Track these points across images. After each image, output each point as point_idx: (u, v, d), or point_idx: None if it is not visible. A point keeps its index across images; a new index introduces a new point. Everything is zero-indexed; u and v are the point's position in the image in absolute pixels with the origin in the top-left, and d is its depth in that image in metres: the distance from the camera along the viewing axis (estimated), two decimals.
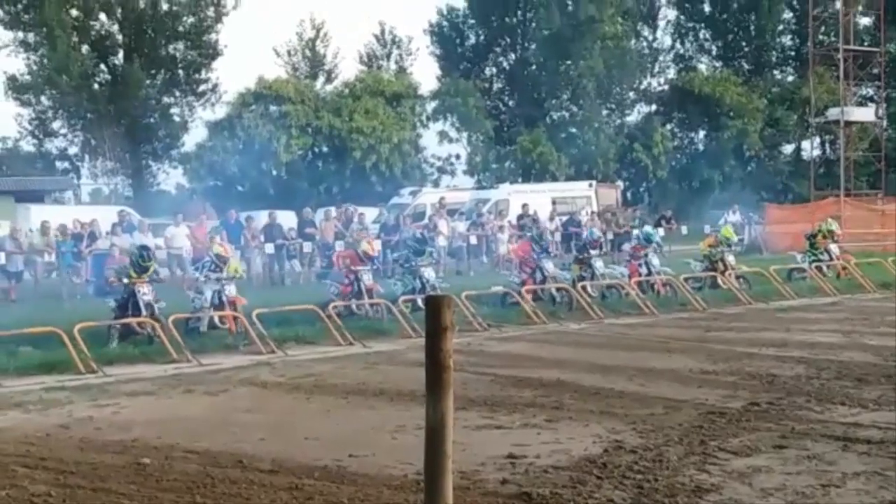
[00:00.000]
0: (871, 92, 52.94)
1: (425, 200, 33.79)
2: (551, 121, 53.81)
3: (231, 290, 16.59)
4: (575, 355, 13.71)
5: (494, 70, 57.62)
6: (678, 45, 61.67)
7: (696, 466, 7.56)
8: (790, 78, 59.22)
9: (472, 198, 35.11)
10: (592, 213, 34.04)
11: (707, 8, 60.82)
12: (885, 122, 50.54)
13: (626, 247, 22.36)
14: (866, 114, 47.14)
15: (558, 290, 19.53)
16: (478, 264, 28.11)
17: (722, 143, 52.85)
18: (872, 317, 17.17)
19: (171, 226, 25.93)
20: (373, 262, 19.14)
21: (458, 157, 51.87)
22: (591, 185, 38.33)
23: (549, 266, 20.04)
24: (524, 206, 31.46)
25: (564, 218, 32.10)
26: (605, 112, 55.76)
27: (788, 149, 58.28)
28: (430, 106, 51.13)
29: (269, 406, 10.69)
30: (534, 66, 54.93)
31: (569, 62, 52.50)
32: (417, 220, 29.84)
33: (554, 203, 34.08)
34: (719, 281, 21.22)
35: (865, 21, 54.28)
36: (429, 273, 18.85)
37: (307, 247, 26.17)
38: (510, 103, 56.77)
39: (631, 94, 58.37)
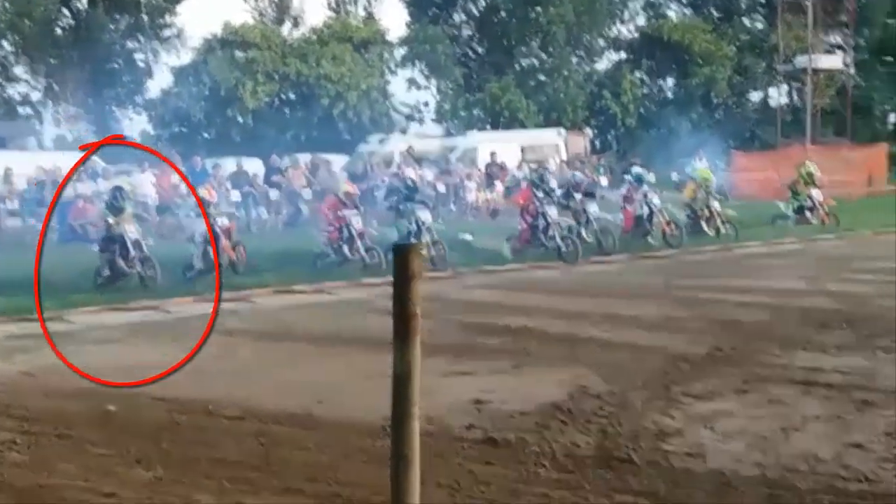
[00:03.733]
0: (839, 39, 53.03)
1: (393, 148, 33.64)
2: (520, 68, 53.52)
3: (223, 220, 16.76)
4: (541, 301, 13.78)
5: (464, 16, 57.11)
6: None
7: (659, 411, 7.65)
8: (759, 25, 59.13)
9: (440, 145, 34.99)
10: (562, 161, 34.03)
11: None
12: (852, 70, 50.74)
13: (622, 191, 21.59)
14: (834, 61, 47.31)
15: (563, 238, 18.74)
16: (446, 212, 28.08)
17: (690, 90, 52.84)
18: (836, 262, 17.35)
19: (137, 173, 25.68)
20: (358, 206, 18.59)
21: (426, 104, 51.60)
22: (560, 133, 38.27)
23: (552, 212, 19.02)
24: (492, 154, 31.40)
25: (533, 166, 32.09)
26: (574, 60, 55.48)
27: (756, 96, 58.35)
28: (399, 52, 50.71)
29: (237, 353, 10.69)
30: (503, 13, 54.50)
31: (538, 9, 52.08)
32: (385, 168, 29.72)
33: (523, 151, 34.04)
34: (704, 226, 21.12)
35: None
36: (425, 215, 18.27)
37: (274, 194, 26.04)
38: (479, 50, 56.35)
39: (600, 41, 58.09)
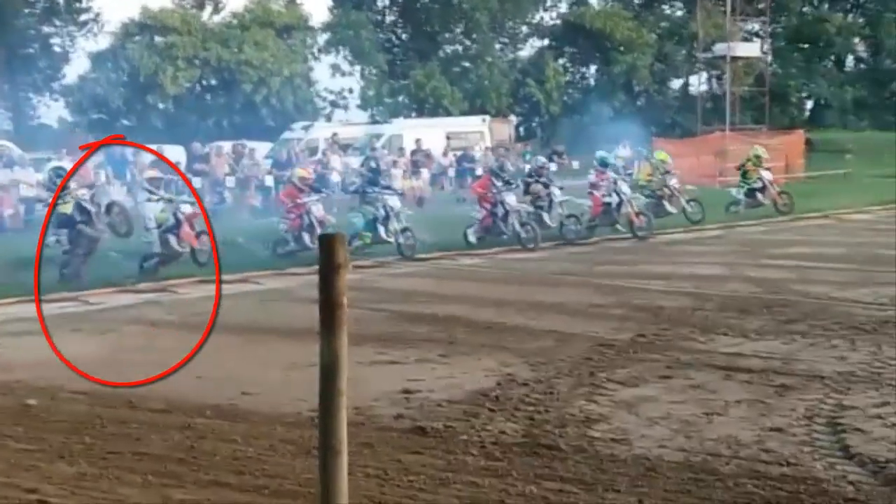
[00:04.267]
0: (757, 27, 53.99)
1: (318, 135, 33.37)
2: (445, 55, 53.53)
3: (186, 207, 15.78)
4: (468, 290, 13.83)
5: (387, 2, 56.89)
6: None
7: (585, 397, 7.73)
8: (679, 13, 59.94)
9: (365, 133, 34.82)
10: (487, 148, 34.11)
11: None
12: (770, 58, 51.71)
13: (589, 177, 20.74)
14: (752, 49, 48.15)
15: (523, 225, 18.44)
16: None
17: (612, 77, 53.36)
18: (755, 248, 17.68)
19: (55, 160, 25.09)
20: (319, 190, 18.00)
21: (350, 91, 51.31)
22: (484, 121, 38.35)
23: (511, 200, 18.71)
24: (418, 141, 31.35)
25: (458, 153, 32.13)
26: (498, 46, 55.67)
27: (677, 84, 59.17)
28: (322, 38, 50.31)
29: (159, 345, 10.52)
30: None
31: None
32: (310, 156, 29.48)
33: (448, 138, 34.05)
34: (668, 207, 20.89)
35: None
36: (394, 201, 17.65)
37: (196, 182, 25.65)
38: (403, 36, 56.21)
39: (524, 28, 58.35)
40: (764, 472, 5.89)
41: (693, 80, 57.70)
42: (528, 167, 21.64)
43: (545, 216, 19.14)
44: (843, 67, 58.86)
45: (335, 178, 26.57)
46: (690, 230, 20.85)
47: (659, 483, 5.78)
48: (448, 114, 45.89)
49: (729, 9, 44.69)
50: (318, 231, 16.37)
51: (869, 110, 55.96)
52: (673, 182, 21.31)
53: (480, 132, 36.56)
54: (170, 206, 15.78)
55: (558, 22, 58.78)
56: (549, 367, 8.77)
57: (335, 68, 50.24)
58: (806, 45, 55.66)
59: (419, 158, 30.04)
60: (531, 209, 19.11)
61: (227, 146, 28.48)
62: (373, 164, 19.58)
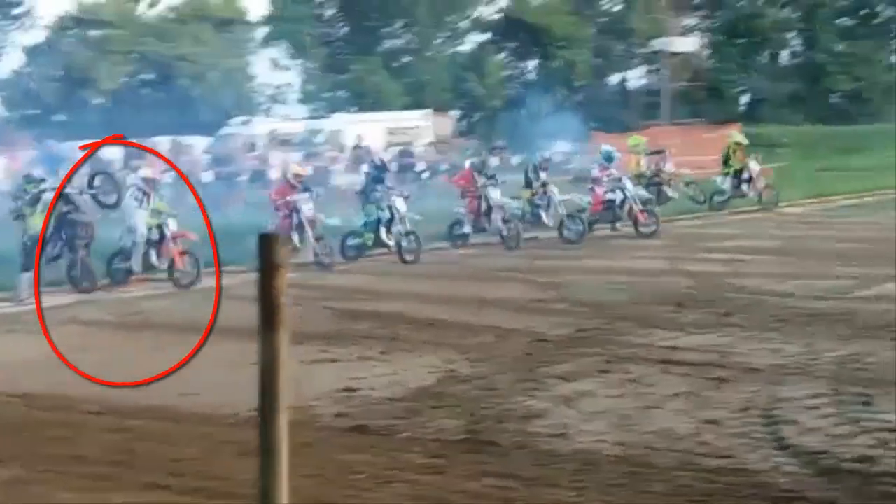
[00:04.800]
0: (694, 22, 54.64)
1: (257, 131, 33.14)
2: (385, 49, 53.41)
3: (172, 223, 14.83)
4: (411, 287, 13.84)
5: None
6: None
7: (525, 393, 7.78)
8: (618, 8, 60.45)
9: (305, 128, 34.65)
10: (430, 143, 34.14)
11: None
12: (707, 52, 52.39)
13: (592, 172, 19.88)
14: (689, 44, 48.77)
15: (505, 221, 17.87)
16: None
17: (552, 72, 53.66)
18: (693, 242, 17.87)
19: None
20: (309, 189, 16.89)
21: (290, 85, 51.02)
22: (425, 116, 38.36)
23: (494, 194, 18.13)
24: (359, 136, 31.27)
25: (399, 148, 32.10)
26: (438, 41, 55.69)
27: (616, 78, 59.68)
28: (262, 32, 49.92)
29: (96, 345, 10.38)
30: None
31: None
32: (249, 152, 29.27)
33: (389, 133, 34.01)
34: (668, 192, 20.63)
35: None
36: (400, 203, 16.86)
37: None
38: (344, 31, 55.97)
39: (464, 22, 58.42)
40: (700, 465, 5.97)
41: (632, 74, 58.27)
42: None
43: (543, 215, 18.59)
44: (777, 62, 59.74)
45: (274, 174, 26.39)
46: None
47: (597, 477, 5.83)
48: (389, 109, 45.83)
49: (666, 4, 45.15)
50: (309, 231, 15.87)
51: (804, 104, 56.87)
52: (668, 166, 21.00)
53: (422, 127, 36.58)
54: (157, 217, 14.87)
55: (498, 16, 58.92)
56: (490, 363, 8.81)
57: (274, 62, 49.96)
58: (742, 40, 56.38)
59: (360, 154, 29.94)
60: (516, 204, 18.62)
61: (163, 142, 28.15)
62: (378, 162, 18.50)
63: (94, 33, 44.55)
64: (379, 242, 16.71)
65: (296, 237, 15.73)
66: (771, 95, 55.72)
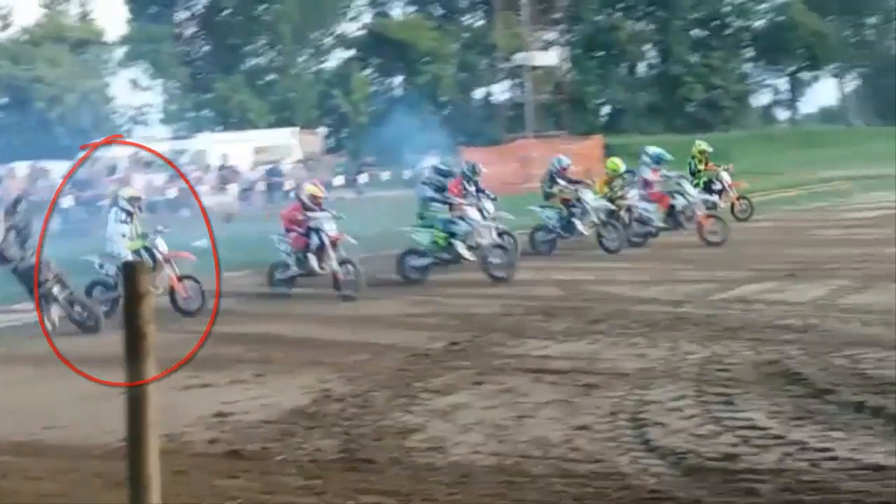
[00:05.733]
0: (554, 36, 55.87)
1: (118, 153, 32.35)
2: (249, 67, 52.92)
3: (162, 244, 13.31)
4: (283, 308, 13.70)
5: (187, 14, 55.75)
6: None
7: (401, 408, 7.81)
8: (479, 23, 61.33)
9: (168, 149, 34.01)
10: (299, 161, 33.93)
11: None
12: (567, 65, 53.60)
13: (645, 174, 18.53)
14: (549, 58, 49.81)
15: (501, 234, 16.01)
16: (177, 219, 27.32)
17: (418, 87, 54.07)
18: (563, 250, 18.09)
19: None
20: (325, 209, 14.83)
21: (152, 106, 50.04)
22: (292, 133, 38.13)
23: (488, 206, 16.46)
24: (224, 156, 30.87)
25: (267, 167, 31.82)
26: (303, 58, 55.49)
27: (481, 92, 60.51)
28: (120, 52, 48.85)
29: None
30: (227, 11, 53.64)
31: (264, 6, 51.70)
32: (109, 175, 28.55)
33: (256, 152, 33.68)
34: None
35: None
36: (474, 213, 15.12)
37: None
38: (205, 49, 55.21)
39: (328, 39, 58.38)
40: (572, 471, 6.11)
41: (496, 88, 59.21)
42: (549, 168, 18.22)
43: (577, 224, 17.04)
44: (635, 73, 61.59)
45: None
46: None
47: (473, 489, 5.91)
48: (255, 127, 45.41)
49: (526, 18, 46.04)
50: (331, 252, 14.11)
51: (662, 114, 58.73)
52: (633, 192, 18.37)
53: (289, 145, 36.33)
54: (143, 238, 13.38)
55: (362, 33, 59.10)
56: (366, 380, 8.82)
57: (134, 83, 48.93)
58: (600, 53, 57.95)
59: (226, 174, 29.57)
60: (560, 215, 17.20)
61: (22, 167, 27.23)
62: (443, 167, 16.44)
63: None
64: (454, 259, 14.90)
65: (314, 261, 14.20)
66: (630, 106, 57.42)
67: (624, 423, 7.05)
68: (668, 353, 9.16)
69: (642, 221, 17.74)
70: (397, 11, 61.00)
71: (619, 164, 18.52)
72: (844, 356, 8.57)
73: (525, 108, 48.75)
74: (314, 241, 14.21)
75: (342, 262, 14.06)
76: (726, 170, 20.61)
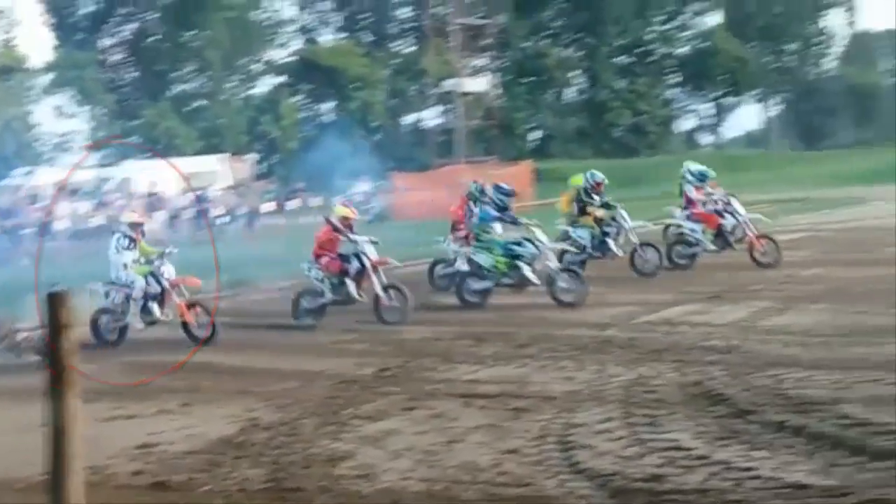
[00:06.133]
0: (484, 63, 56.37)
1: (42, 181, 31.79)
2: (176, 93, 52.48)
3: (169, 269, 12.82)
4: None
5: (114, 40, 55.14)
6: (302, 16, 62.21)
7: (330, 436, 7.79)
8: (409, 50, 61.65)
9: (94, 176, 33.54)
10: (228, 187, 33.70)
11: None
12: (498, 91, 54.09)
13: (690, 192, 17.12)
14: (479, 84, 50.25)
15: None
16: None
17: (349, 113, 54.11)
18: None
19: None
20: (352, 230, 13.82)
21: (77, 133, 49.34)
22: (221, 160, 37.88)
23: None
24: (151, 183, 30.54)
25: (197, 193, 31.53)
26: (231, 84, 55.21)
27: (411, 118, 60.74)
28: (45, 79, 48.13)
29: None
30: (155, 37, 53.20)
31: (192, 32, 51.39)
32: (32, 204, 28.04)
33: (184, 179, 33.36)
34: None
35: None
36: (541, 234, 14.43)
37: None
38: (132, 76, 54.64)
39: (257, 65, 58.17)
40: (501, 495, 6.16)
41: (427, 114, 59.51)
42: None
43: (612, 244, 15.98)
44: (561, 99, 62.38)
45: (63, 224, 25.43)
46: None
47: None
48: (183, 154, 44.99)
49: (456, 45, 46.42)
50: (373, 278, 13.22)
51: (590, 139, 59.53)
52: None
53: (218, 171, 36.07)
54: (149, 264, 13.01)
55: (292, 59, 59.03)
56: (295, 407, 8.77)
57: (59, 110, 48.20)
58: (529, 79, 58.59)
59: (153, 201, 29.23)
60: (593, 233, 16.19)
61: None
62: (505, 186, 15.49)
63: None
64: (522, 282, 14.19)
65: (352, 287, 13.37)
66: (559, 132, 58.12)
67: (552, 446, 7.11)
68: (595, 376, 9.26)
69: (687, 243, 16.87)
70: (328, 38, 61.10)
71: (581, 179, 17.10)
72: (766, 376, 8.76)
73: (455, 133, 49.06)
74: (353, 265, 13.36)
75: (386, 288, 13.21)
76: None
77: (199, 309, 12.66)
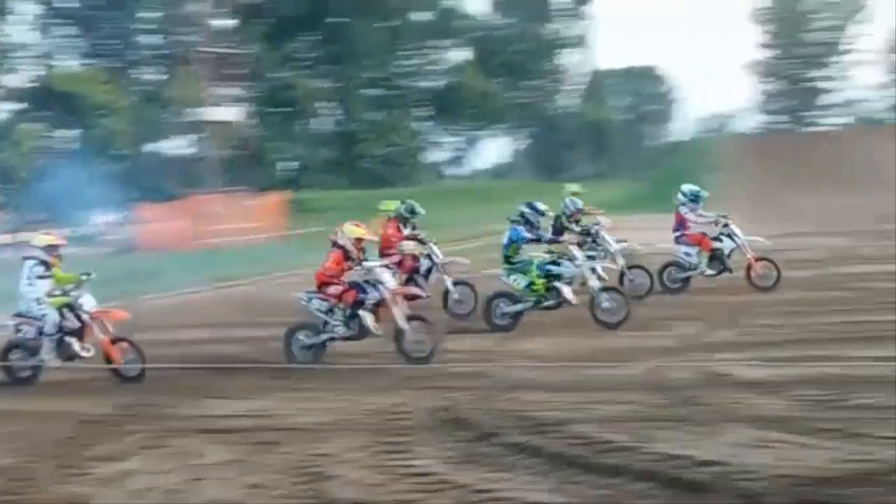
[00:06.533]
0: (237, 92, 55.70)
1: None
2: None
3: (88, 301, 11.39)
4: None
5: None
6: (40, 40, 59.40)
7: (67, 479, 7.39)
8: (158, 77, 60.03)
9: None
10: None
11: (72, 4, 59.34)
12: (250, 121, 53.57)
13: (685, 213, 16.30)
14: (228, 113, 49.65)
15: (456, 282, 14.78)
16: None
17: (92, 141, 52.03)
18: (249, 307, 17.81)
19: None
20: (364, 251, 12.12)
21: None
22: None
23: (436, 250, 15.03)
24: None
25: None
26: None
27: (159, 147, 59.04)
28: None
29: None
30: None
31: None
32: None
33: None
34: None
35: (230, 22, 56.91)
36: (579, 252, 13.69)
37: None
38: None
39: None
40: None
41: (176, 143, 58.12)
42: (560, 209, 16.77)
43: (598, 268, 14.43)
44: (313, 130, 62.60)
45: None
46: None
47: None
48: None
49: (204, 74, 45.70)
50: (394, 310, 11.50)
51: (343, 169, 59.96)
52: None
53: None
54: (65, 295, 11.45)
55: (31, 85, 56.35)
56: (29, 450, 8.25)
57: None
58: (281, 109, 58.43)
59: None
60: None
61: None
62: (538, 205, 14.22)
63: None
64: (558, 303, 13.35)
65: (369, 320, 11.64)
66: (311, 162, 58.17)
67: (299, 478, 7.05)
68: (347, 405, 9.27)
69: (680, 266, 16.25)
70: (73, 63, 58.61)
71: (390, 205, 16.71)
72: (507, 399, 9.08)
73: (204, 162, 48.13)
74: (371, 295, 11.68)
75: (410, 319, 11.59)
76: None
77: (125, 345, 11.37)
